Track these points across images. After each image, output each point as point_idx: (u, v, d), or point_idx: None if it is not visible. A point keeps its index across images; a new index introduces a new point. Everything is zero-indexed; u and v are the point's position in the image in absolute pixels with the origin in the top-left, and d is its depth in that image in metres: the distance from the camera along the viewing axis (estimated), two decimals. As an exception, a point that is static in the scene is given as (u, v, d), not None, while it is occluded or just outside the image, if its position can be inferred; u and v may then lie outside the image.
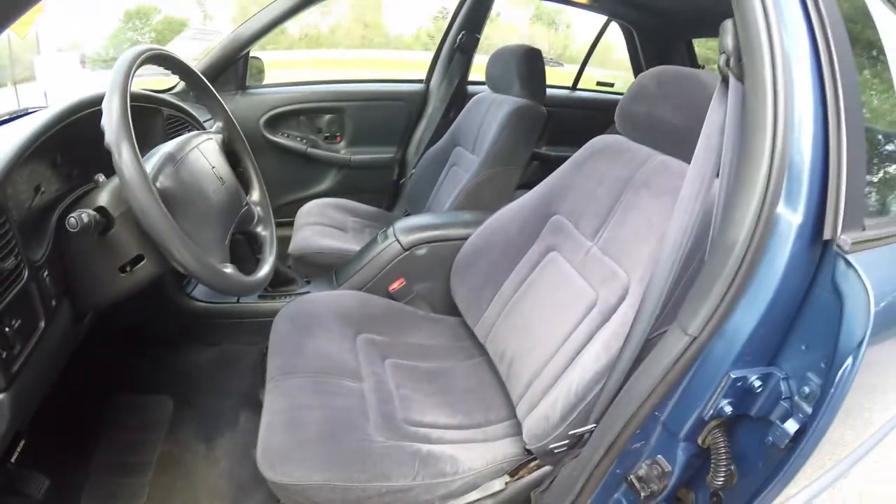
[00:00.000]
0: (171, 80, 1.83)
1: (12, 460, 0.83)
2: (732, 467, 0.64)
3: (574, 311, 0.92)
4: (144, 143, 1.06)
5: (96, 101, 0.78)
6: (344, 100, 2.10)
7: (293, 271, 1.46)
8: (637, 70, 2.36)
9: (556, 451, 0.81)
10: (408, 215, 1.99)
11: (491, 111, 1.66)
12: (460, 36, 2.08)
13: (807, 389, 0.57)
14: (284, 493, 0.80)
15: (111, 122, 0.70)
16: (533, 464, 0.89)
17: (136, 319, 1.27)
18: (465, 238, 1.22)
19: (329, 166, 2.15)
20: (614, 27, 2.37)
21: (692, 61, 2.35)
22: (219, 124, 1.08)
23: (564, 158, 1.13)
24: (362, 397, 0.95)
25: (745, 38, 0.59)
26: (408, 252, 1.29)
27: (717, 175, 0.65)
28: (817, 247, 0.59)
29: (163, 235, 0.71)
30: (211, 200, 0.90)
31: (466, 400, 1.02)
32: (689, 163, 0.69)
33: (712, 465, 0.64)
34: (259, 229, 1.10)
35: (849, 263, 0.56)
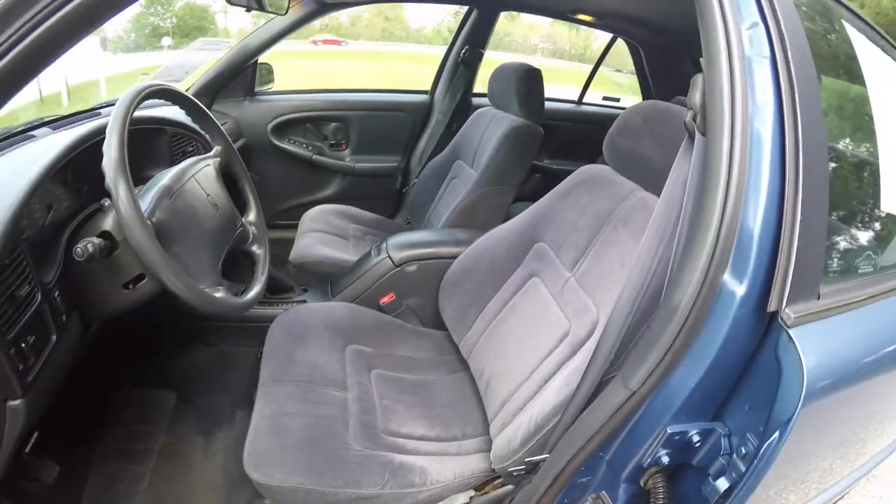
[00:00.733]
0: (185, 82, 1.91)
1: (27, 450, 0.91)
2: (672, 511, 0.66)
3: (548, 340, 0.96)
4: (150, 161, 1.14)
5: (102, 130, 0.85)
6: (349, 109, 2.16)
7: (292, 278, 1.53)
8: (644, 87, 2.38)
9: (514, 474, 0.86)
10: (409, 224, 2.05)
11: (490, 127, 1.70)
12: (464, 50, 2.12)
13: (743, 450, 0.58)
14: (267, 493, 0.87)
15: (110, 164, 0.77)
16: (498, 481, 0.94)
17: (141, 320, 1.35)
18: (454, 256, 1.27)
19: (334, 173, 2.22)
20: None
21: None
22: (217, 148, 1.14)
23: (566, 172, 1.16)
24: (345, 407, 1.01)
25: (709, 93, 0.60)
26: (398, 268, 1.34)
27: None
28: (763, 316, 0.59)
29: (156, 268, 0.80)
30: (204, 227, 0.97)
31: (446, 413, 1.07)
32: None
33: None
34: (254, 248, 1.17)
35: (790, 338, 0.56)
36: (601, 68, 2.58)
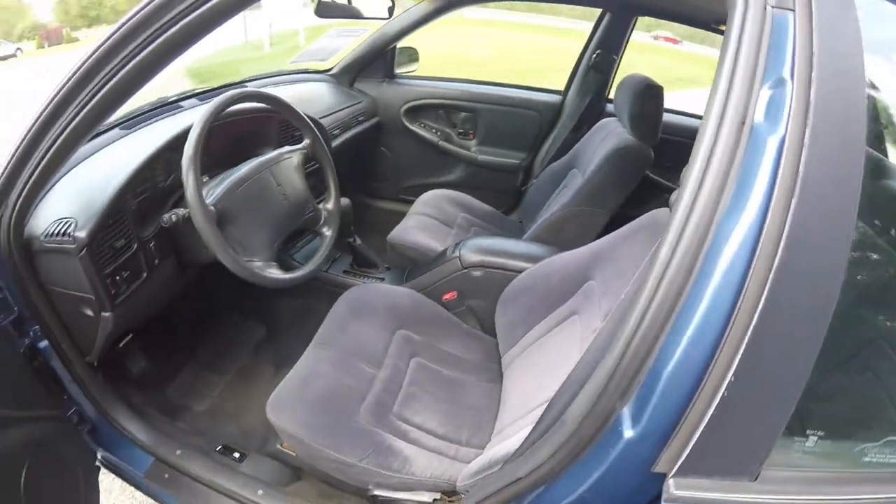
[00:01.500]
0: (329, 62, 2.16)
1: (120, 346, 1.22)
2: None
3: (557, 384, 0.92)
4: (258, 142, 1.35)
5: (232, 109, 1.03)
6: (481, 101, 2.19)
7: (382, 257, 1.66)
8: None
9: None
10: (521, 223, 2.03)
11: (605, 141, 1.59)
12: (595, 55, 1.99)
13: None
14: (277, 430, 1.01)
15: (186, 157, 0.95)
16: (456, 497, 0.97)
17: None
18: (520, 271, 1.26)
19: (457, 160, 2.29)
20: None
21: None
22: (306, 141, 1.29)
23: (670, 190, 1.09)
24: (371, 382, 1.10)
25: (684, 172, 0.50)
26: (465, 270, 1.37)
27: None
28: (652, 474, 0.50)
29: (213, 247, 0.99)
30: (266, 213, 1.15)
31: (465, 416, 1.10)
32: None
33: None
34: (324, 230, 1.33)
35: None
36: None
